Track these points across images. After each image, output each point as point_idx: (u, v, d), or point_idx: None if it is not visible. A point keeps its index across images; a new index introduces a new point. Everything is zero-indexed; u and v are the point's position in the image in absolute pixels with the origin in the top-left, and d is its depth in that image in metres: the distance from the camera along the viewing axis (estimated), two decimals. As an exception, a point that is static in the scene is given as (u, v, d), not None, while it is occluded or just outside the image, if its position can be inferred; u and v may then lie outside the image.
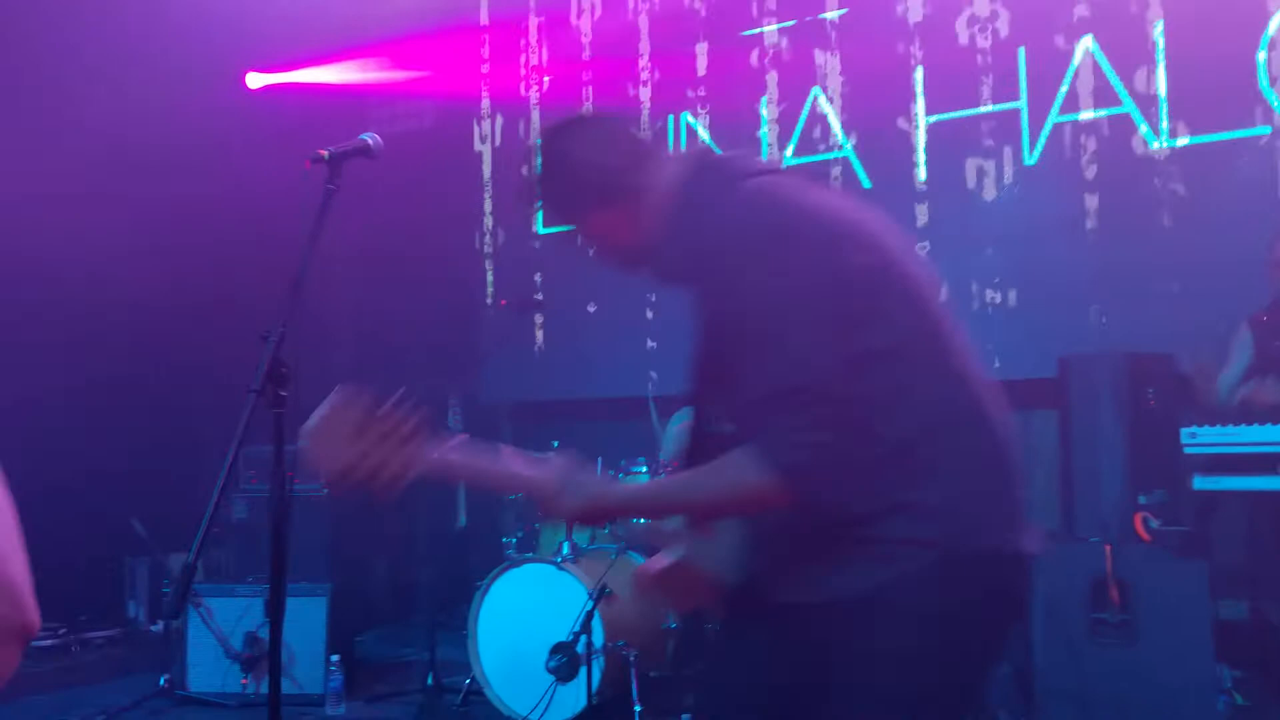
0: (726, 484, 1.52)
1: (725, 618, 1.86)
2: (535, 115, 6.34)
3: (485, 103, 6.51)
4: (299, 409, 1.97)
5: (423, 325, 6.03)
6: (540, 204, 1.82)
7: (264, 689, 4.32)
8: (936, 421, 1.54)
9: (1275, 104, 4.49)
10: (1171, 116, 4.68)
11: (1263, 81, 4.51)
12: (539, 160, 1.74)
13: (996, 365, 4.93)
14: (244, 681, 4.39)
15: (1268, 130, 4.48)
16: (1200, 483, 3.37)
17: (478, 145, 6.51)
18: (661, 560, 1.72)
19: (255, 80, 6.41)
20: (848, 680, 1.54)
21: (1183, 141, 4.65)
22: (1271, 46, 4.49)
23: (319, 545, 5.42)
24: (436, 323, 6.12)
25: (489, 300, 6.38)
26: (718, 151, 1.77)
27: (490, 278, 6.42)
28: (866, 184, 5.33)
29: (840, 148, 5.40)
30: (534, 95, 6.34)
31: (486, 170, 6.48)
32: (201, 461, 4.80)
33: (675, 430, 5.12)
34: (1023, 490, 1.61)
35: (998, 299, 4.98)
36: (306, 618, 4.45)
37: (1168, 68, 4.69)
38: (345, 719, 4.23)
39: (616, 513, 1.72)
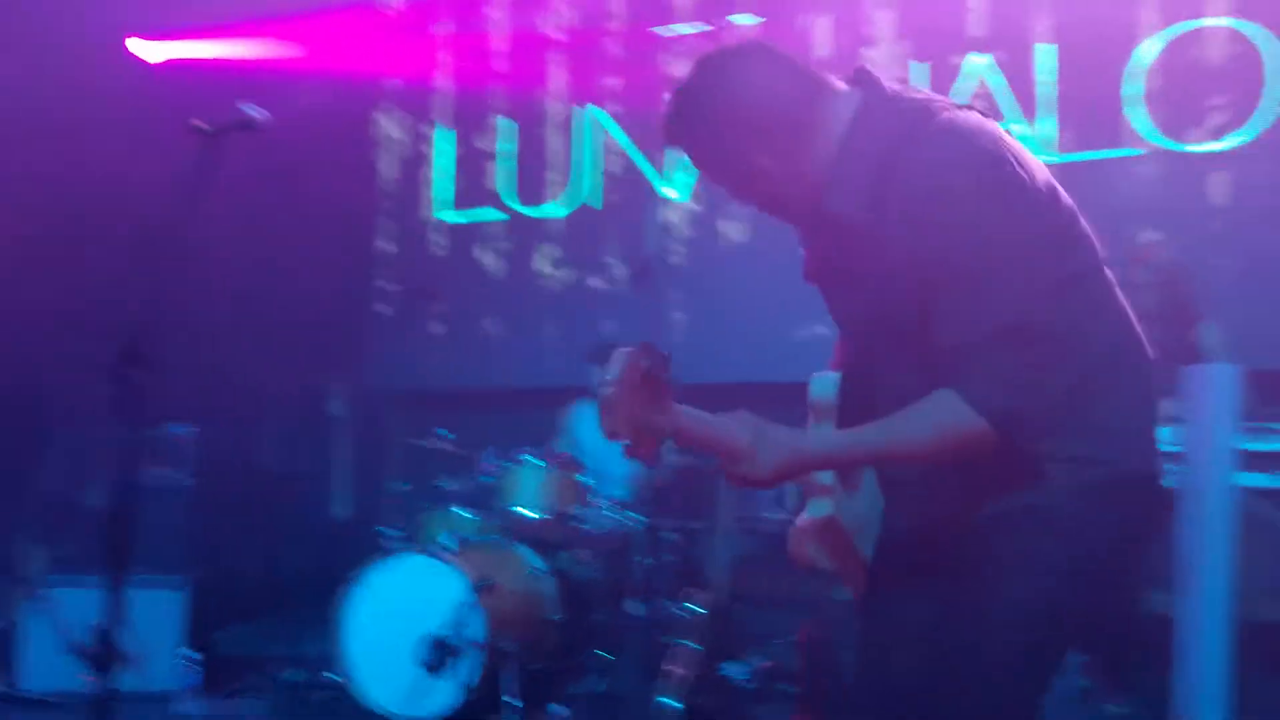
0: (935, 429, 1.44)
1: (869, 585, 1.72)
2: (437, 101, 6.20)
3: (386, 85, 6.34)
4: (164, 392, 1.82)
5: (307, 310, 5.79)
6: (692, 146, 1.61)
7: (112, 685, 4.07)
8: (1115, 344, 1.56)
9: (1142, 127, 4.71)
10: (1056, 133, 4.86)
11: (1130, 105, 4.72)
12: (699, 96, 1.56)
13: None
14: (88, 679, 4.08)
15: (1139, 152, 4.70)
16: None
17: (377, 129, 6.32)
18: (813, 517, 1.60)
19: (138, 47, 6.08)
20: (1007, 594, 1.49)
21: (1065, 158, 4.84)
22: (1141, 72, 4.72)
23: (179, 535, 5.12)
24: (322, 308, 5.89)
25: (379, 286, 6.18)
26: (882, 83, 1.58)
27: (381, 264, 6.22)
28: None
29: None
30: (436, 81, 6.20)
31: (384, 153, 6.29)
32: (56, 445, 4.49)
33: (569, 423, 5.03)
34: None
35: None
36: (160, 611, 4.20)
37: (1052, 88, 4.87)
38: (201, 716, 3.97)
39: (815, 465, 1.55)
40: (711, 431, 1.50)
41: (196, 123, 1.88)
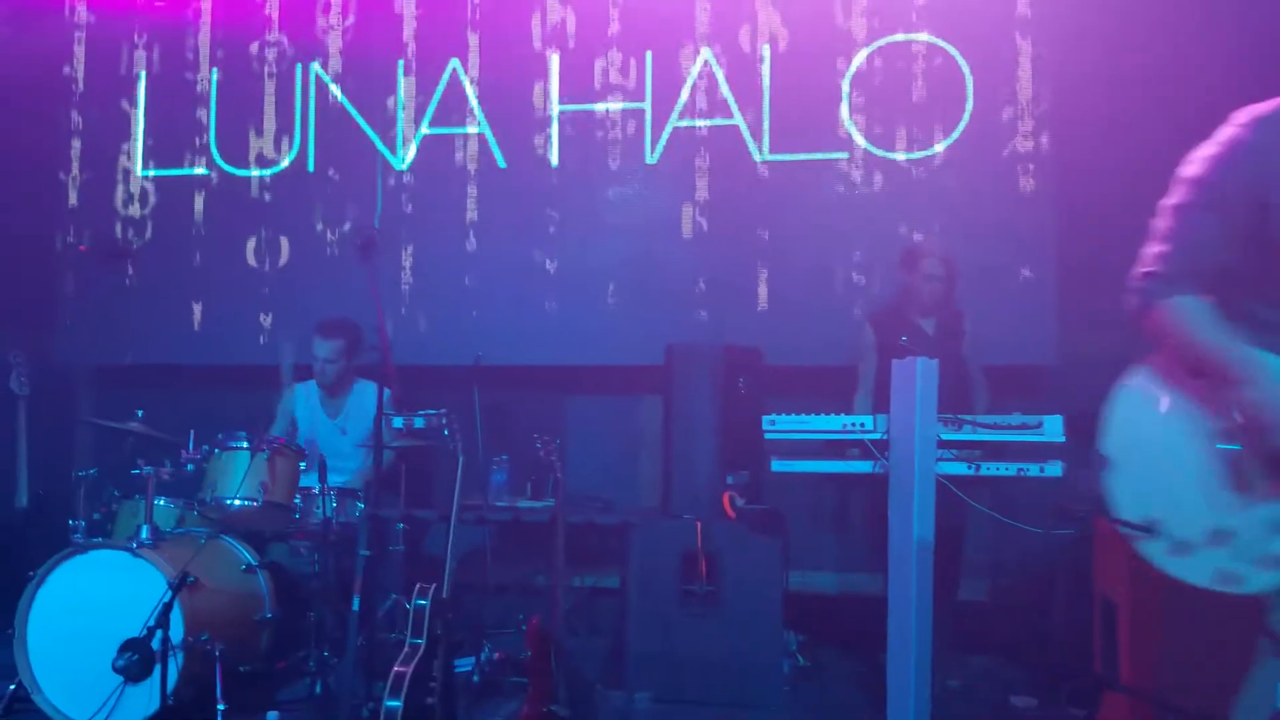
0: None
1: None
2: (133, 41, 5.61)
3: (78, 15, 5.66)
4: None
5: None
6: None
7: None
8: None
9: (854, 132, 5.10)
10: (773, 133, 5.16)
11: (844, 111, 5.11)
12: None
13: (610, 352, 5.19)
14: None
15: (845, 155, 5.09)
16: (777, 465, 3.73)
17: (70, 67, 5.63)
18: None
19: None
20: None
21: (780, 158, 5.15)
22: (853, 80, 5.10)
23: None
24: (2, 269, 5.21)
25: (69, 244, 5.55)
26: None
27: (72, 219, 5.57)
28: (501, 163, 5.32)
29: (477, 122, 5.35)
30: (137, 24, 5.61)
31: (80, 100, 5.62)
32: None
33: (288, 405, 4.79)
34: None
35: (614, 287, 5.20)
36: None
37: (771, 88, 5.15)
38: None
39: None
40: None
41: None
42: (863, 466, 3.66)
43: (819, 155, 5.12)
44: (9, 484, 4.29)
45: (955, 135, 5.03)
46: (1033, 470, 3.54)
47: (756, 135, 5.17)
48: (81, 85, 5.66)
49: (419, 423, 3.94)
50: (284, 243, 5.45)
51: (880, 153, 5.08)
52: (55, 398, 5.23)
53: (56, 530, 4.21)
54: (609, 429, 5.43)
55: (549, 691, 2.94)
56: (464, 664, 3.73)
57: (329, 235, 5.39)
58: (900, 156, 5.07)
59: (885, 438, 3.60)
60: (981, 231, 4.94)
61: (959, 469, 3.59)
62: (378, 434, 3.74)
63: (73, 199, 5.59)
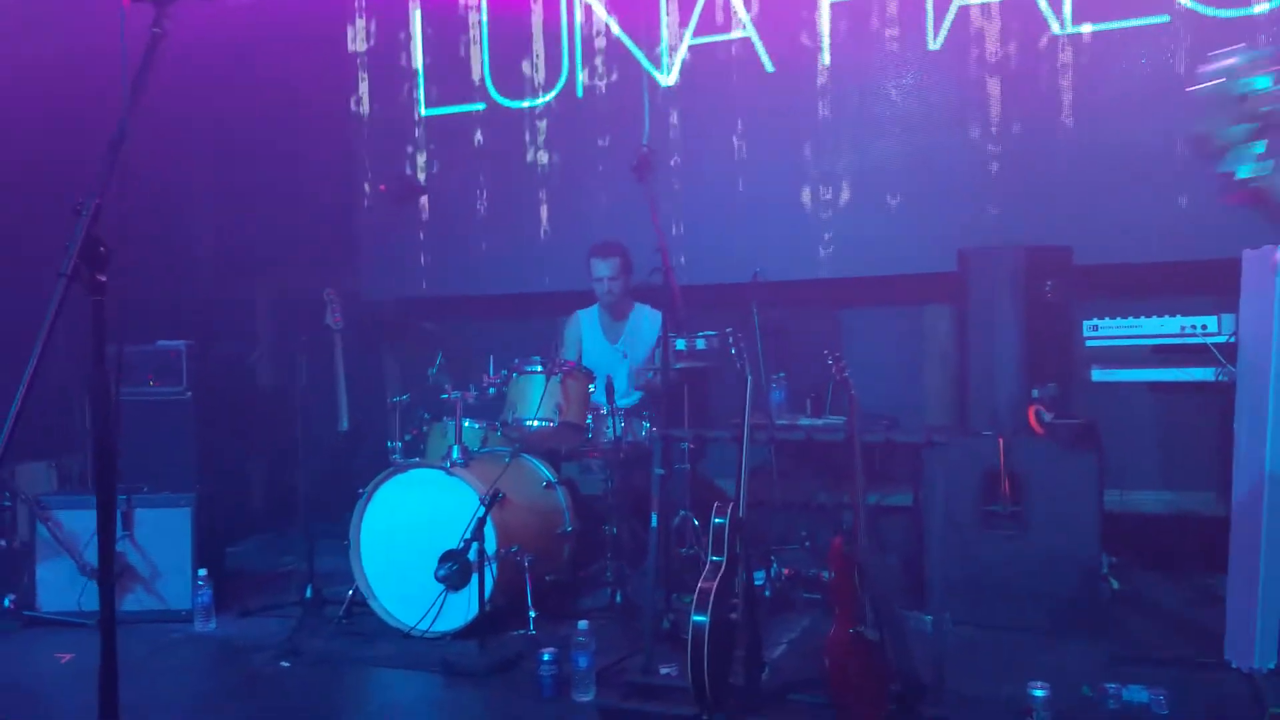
0: None
1: None
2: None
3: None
4: (127, 298, 1.64)
5: (291, 210, 5.57)
6: None
7: (126, 606, 4.08)
8: None
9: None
10: (1076, 4, 4.57)
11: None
12: None
13: (895, 261, 4.87)
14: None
15: (1166, 19, 4.42)
16: (1099, 375, 3.35)
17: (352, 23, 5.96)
18: None
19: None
20: None
21: (1087, 29, 4.56)
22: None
23: (184, 452, 5.08)
24: (307, 208, 5.66)
25: (366, 185, 5.93)
26: None
27: (368, 160, 5.94)
28: (770, 67, 5.08)
29: (742, 27, 5.13)
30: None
31: (361, 41, 5.94)
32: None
33: (573, 331, 4.91)
34: None
35: (897, 191, 4.86)
36: (170, 530, 4.16)
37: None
38: (216, 635, 3.97)
39: None
40: None
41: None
42: (1204, 374, 3.22)
43: (1134, 22, 4.49)
44: (331, 411, 4.67)
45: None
46: None
47: (1056, 4, 4.60)
48: (364, 34, 5.95)
49: (700, 344, 3.91)
50: (558, 169, 5.53)
51: (1208, 10, 4.37)
52: (365, 332, 5.69)
53: (374, 451, 4.58)
54: (889, 341, 5.15)
55: (856, 613, 2.84)
56: (755, 579, 3.71)
57: (598, 162, 5.41)
58: (1232, 14, 4.34)
59: (1232, 341, 3.14)
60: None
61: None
62: (665, 356, 3.73)
63: (365, 142, 5.94)
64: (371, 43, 5.91)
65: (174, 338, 5.11)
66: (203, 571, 4.04)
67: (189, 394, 5.09)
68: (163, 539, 4.15)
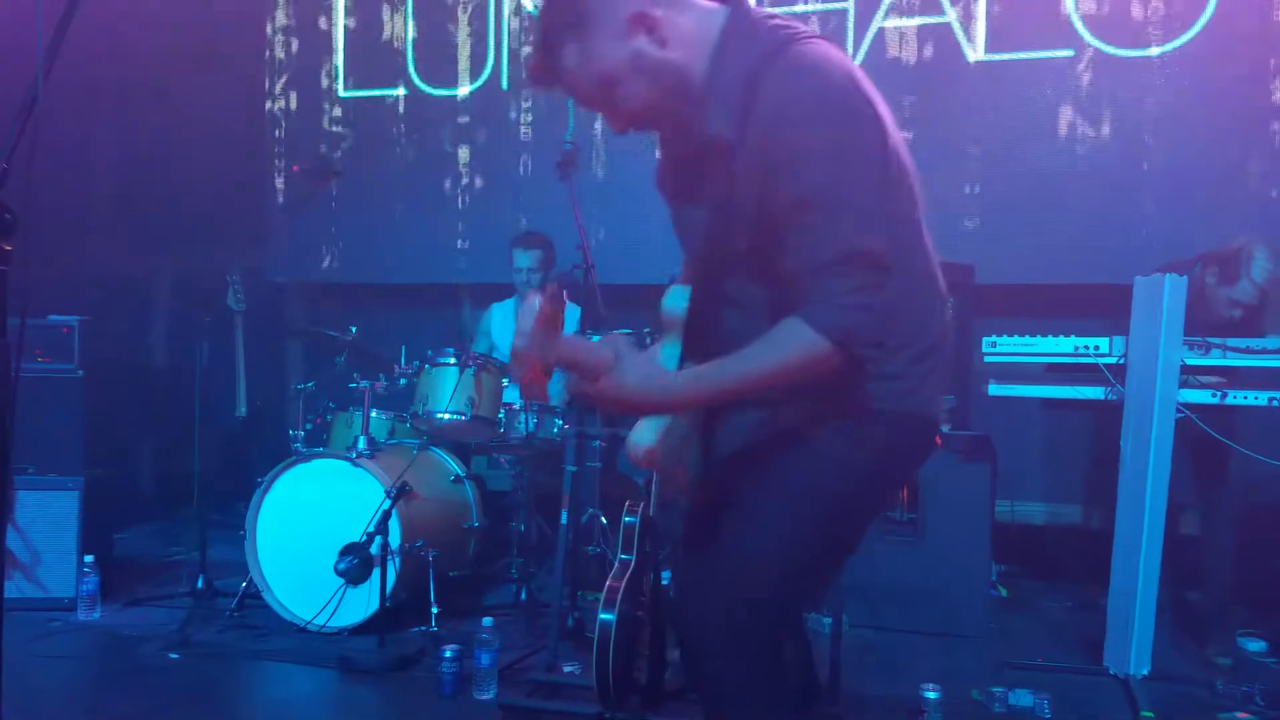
0: (785, 354, 1.49)
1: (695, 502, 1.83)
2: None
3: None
4: (33, 268, 1.58)
5: (197, 186, 5.37)
6: (547, 44, 1.58)
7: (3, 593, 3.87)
8: (919, 286, 1.66)
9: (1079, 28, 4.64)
10: (988, 31, 4.75)
11: (1069, 6, 4.64)
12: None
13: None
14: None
15: (1071, 53, 4.63)
16: (995, 389, 3.49)
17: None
18: (649, 436, 1.61)
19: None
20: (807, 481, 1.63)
21: (996, 57, 4.74)
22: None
23: (73, 432, 4.84)
24: (214, 184, 5.47)
25: (277, 164, 5.76)
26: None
27: (280, 139, 5.78)
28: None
29: None
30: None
31: (280, 15, 5.77)
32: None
33: (487, 324, 4.86)
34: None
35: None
36: (55, 514, 3.96)
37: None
38: (101, 624, 3.81)
39: (679, 396, 1.58)
40: (579, 349, 1.56)
41: None
42: (1094, 393, 3.38)
43: (1042, 54, 4.68)
44: (229, 396, 4.53)
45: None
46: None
47: (970, 32, 4.77)
48: (284, 7, 5.79)
49: (615, 341, 3.91)
50: (480, 162, 5.48)
51: (1110, 49, 4.59)
52: (268, 314, 5.52)
53: (273, 439, 4.47)
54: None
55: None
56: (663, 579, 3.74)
57: (522, 155, 5.38)
58: (1132, 54, 4.58)
59: (1121, 362, 3.31)
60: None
61: (1202, 397, 3.26)
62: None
63: (279, 120, 5.78)
64: (291, 20, 5.76)
65: (67, 313, 4.88)
66: (89, 558, 3.86)
67: (80, 372, 4.85)
68: (47, 523, 3.95)
